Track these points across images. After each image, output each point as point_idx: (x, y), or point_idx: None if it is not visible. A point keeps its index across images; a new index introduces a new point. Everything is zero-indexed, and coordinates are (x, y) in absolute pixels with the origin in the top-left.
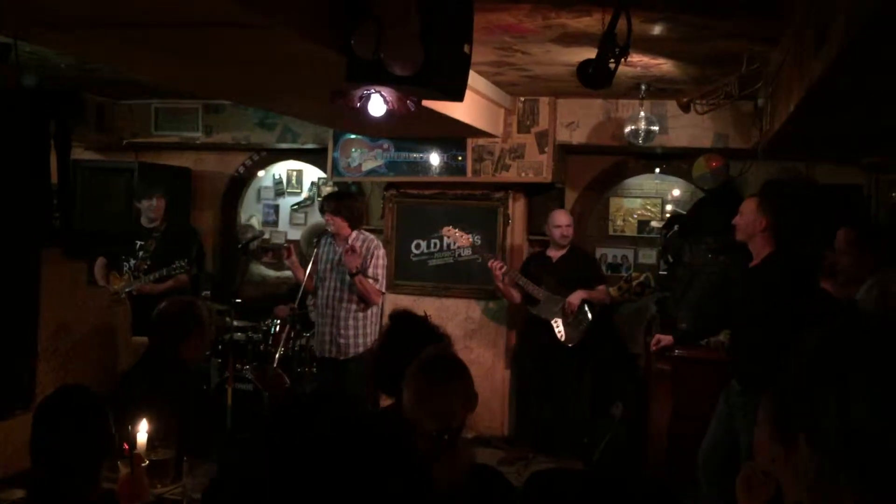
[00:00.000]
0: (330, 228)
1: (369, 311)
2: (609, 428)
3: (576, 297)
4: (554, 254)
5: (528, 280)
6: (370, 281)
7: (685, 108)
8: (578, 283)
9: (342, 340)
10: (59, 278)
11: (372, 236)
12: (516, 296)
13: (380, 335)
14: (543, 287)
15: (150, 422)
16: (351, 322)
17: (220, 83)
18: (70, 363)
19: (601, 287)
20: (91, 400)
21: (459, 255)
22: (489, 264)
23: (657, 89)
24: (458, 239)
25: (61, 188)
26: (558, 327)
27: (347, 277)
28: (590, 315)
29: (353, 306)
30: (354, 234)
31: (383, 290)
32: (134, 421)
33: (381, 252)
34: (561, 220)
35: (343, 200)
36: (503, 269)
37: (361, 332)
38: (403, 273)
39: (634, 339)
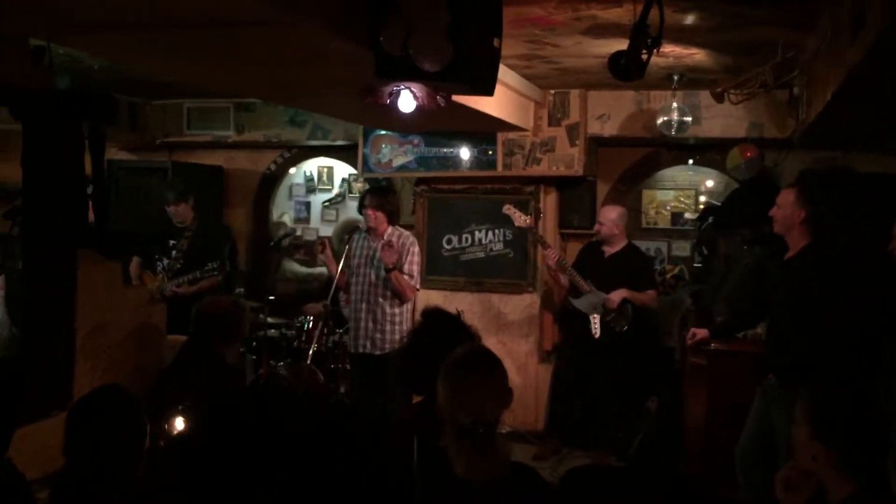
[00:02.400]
0: (370, 223)
1: (404, 307)
2: (644, 423)
3: (617, 295)
4: (608, 249)
5: (576, 271)
6: (405, 277)
7: (719, 98)
8: (627, 283)
9: (378, 335)
10: (95, 279)
11: (407, 233)
12: (564, 280)
13: (410, 332)
14: (590, 280)
15: (186, 418)
16: (388, 317)
17: (249, 82)
18: (107, 363)
19: (650, 293)
20: (125, 399)
21: (491, 250)
22: (545, 252)
23: (690, 79)
24: (517, 219)
25: (96, 189)
26: (595, 323)
27: (382, 273)
28: (629, 317)
29: (389, 301)
30: (390, 229)
31: (417, 286)
32: (170, 418)
33: (416, 249)
34: (600, 215)
35: (387, 195)
36: (556, 259)
37: (398, 326)
38: (435, 269)
39: (669, 333)
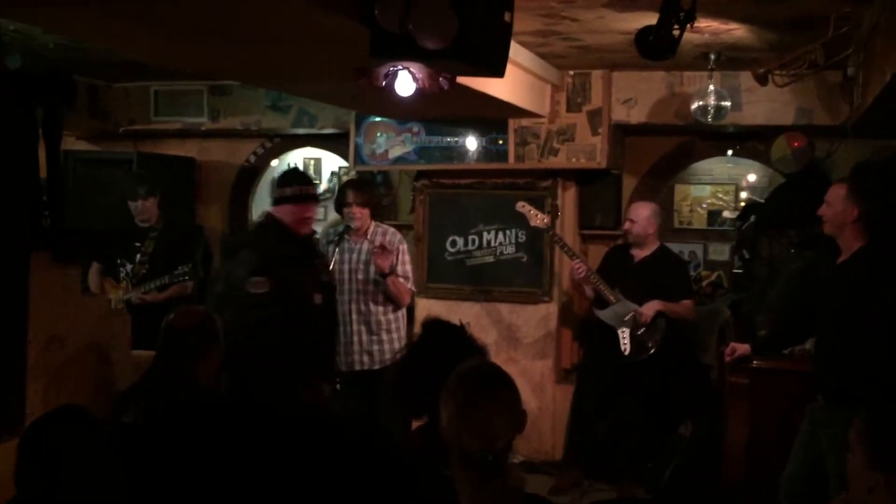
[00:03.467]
0: (356, 223)
1: (399, 313)
2: (677, 450)
3: (650, 307)
4: (637, 253)
5: (601, 279)
6: (401, 280)
7: (762, 80)
8: (660, 293)
9: (376, 347)
10: (50, 286)
11: (392, 229)
12: (589, 291)
13: (408, 346)
14: (618, 289)
15: None
16: (383, 325)
17: (226, 61)
18: (63, 381)
19: (686, 302)
20: (85, 423)
21: (501, 254)
22: (573, 264)
23: (729, 59)
24: (532, 218)
25: (51, 183)
26: (624, 338)
27: (373, 276)
28: (663, 331)
29: (382, 307)
30: (372, 227)
31: (413, 288)
32: None
33: (405, 246)
34: (631, 212)
35: (371, 189)
36: (586, 274)
37: (395, 334)
38: (437, 275)
39: (705, 348)
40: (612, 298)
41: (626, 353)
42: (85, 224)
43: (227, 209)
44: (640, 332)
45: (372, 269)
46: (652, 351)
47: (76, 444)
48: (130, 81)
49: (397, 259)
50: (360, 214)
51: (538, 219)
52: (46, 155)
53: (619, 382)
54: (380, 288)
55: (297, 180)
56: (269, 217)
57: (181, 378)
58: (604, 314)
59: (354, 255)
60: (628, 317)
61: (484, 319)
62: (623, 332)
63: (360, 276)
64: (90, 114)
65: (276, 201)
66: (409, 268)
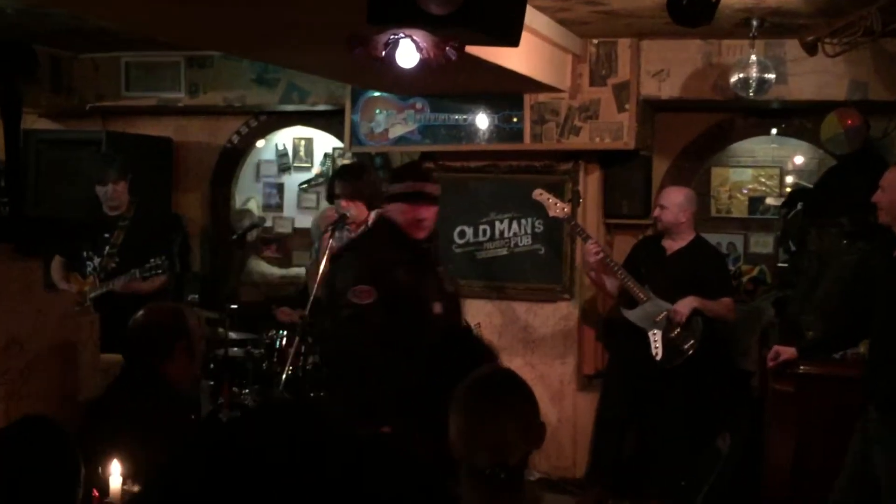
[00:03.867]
0: (349, 214)
1: None
2: (714, 466)
3: (685, 306)
4: (669, 244)
5: (629, 274)
6: None
7: (810, 50)
8: (694, 289)
9: None
10: (9, 281)
11: None
12: (611, 285)
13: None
14: (647, 286)
15: (124, 462)
16: None
17: (206, 28)
18: (23, 387)
19: (726, 300)
20: (53, 435)
21: (516, 246)
22: (586, 246)
23: (773, 25)
24: (552, 207)
25: (10, 166)
26: (656, 341)
27: None
28: (700, 332)
29: None
30: (373, 215)
31: None
32: (105, 461)
33: None
34: (662, 198)
35: (361, 176)
36: (599, 255)
37: None
38: None
39: (746, 352)
40: (641, 296)
41: (658, 357)
42: (47, 212)
43: (208, 196)
44: (674, 335)
45: None
46: (689, 354)
47: (41, 461)
48: (98, 52)
49: None
50: (350, 208)
51: (557, 208)
52: (4, 135)
53: (648, 391)
54: None
55: (412, 176)
56: (380, 217)
57: (151, 383)
58: (633, 314)
59: None
60: (661, 317)
61: (496, 319)
62: (654, 334)
63: None
64: (53, 88)
65: (388, 199)
66: None
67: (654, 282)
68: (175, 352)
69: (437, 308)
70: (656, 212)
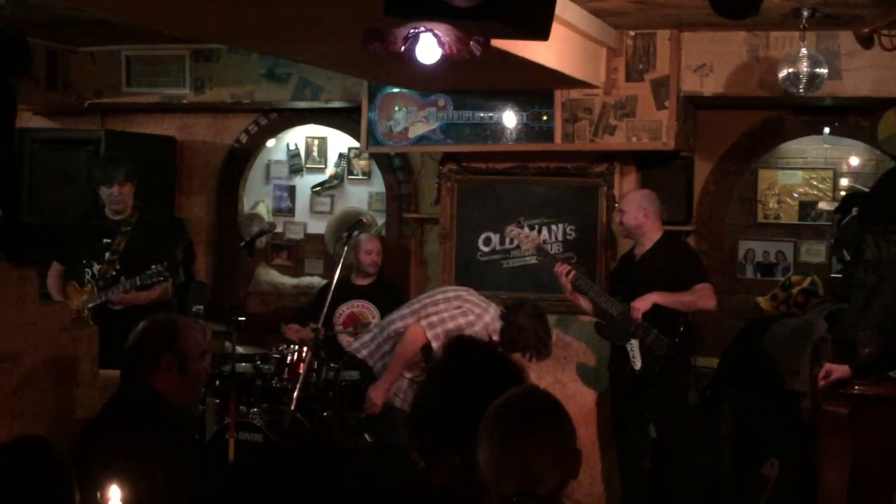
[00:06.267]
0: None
1: None
2: (760, 495)
3: (644, 302)
4: (639, 250)
5: (594, 286)
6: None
7: (866, 43)
8: (666, 287)
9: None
10: (2, 292)
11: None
12: (586, 305)
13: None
14: (619, 297)
15: (123, 486)
16: None
17: (213, 20)
18: (17, 405)
19: (699, 286)
20: (48, 456)
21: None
22: (555, 269)
23: (825, 15)
24: (523, 241)
25: (3, 168)
26: (633, 352)
27: None
28: (679, 330)
29: None
30: None
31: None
32: (102, 483)
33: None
34: (621, 202)
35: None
36: (570, 275)
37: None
38: (467, 279)
39: (795, 371)
40: (612, 311)
41: (637, 368)
42: (43, 217)
43: (214, 199)
44: (650, 340)
45: None
46: (669, 352)
47: (35, 484)
48: (97, 45)
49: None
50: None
51: (528, 240)
52: None
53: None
54: None
55: None
56: None
57: (145, 397)
58: (605, 332)
59: None
60: (632, 325)
61: None
62: (631, 345)
63: None
64: (49, 84)
65: None
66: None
67: (626, 291)
68: (161, 366)
69: None
70: (617, 218)
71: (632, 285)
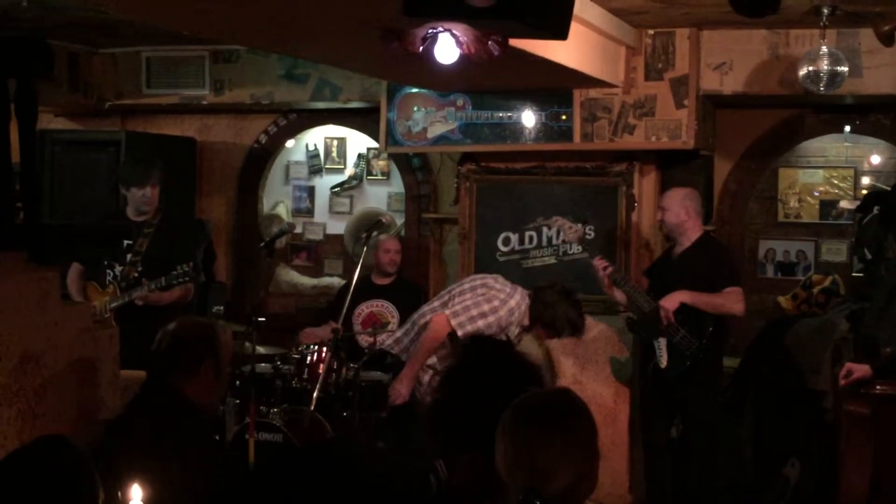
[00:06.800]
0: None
1: None
2: (781, 496)
3: (671, 301)
4: (678, 248)
5: (631, 282)
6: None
7: (887, 40)
8: (700, 288)
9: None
10: (24, 292)
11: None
12: (620, 297)
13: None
14: (652, 295)
15: (144, 486)
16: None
17: (233, 20)
18: (38, 406)
19: (729, 290)
20: (71, 456)
21: (566, 253)
22: (594, 262)
23: (845, 13)
24: (567, 231)
25: (25, 170)
26: (659, 350)
27: None
28: (707, 330)
29: None
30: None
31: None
32: (124, 484)
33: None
34: (662, 200)
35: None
36: (608, 270)
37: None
38: None
39: (816, 370)
40: (644, 304)
41: (663, 366)
42: (64, 217)
43: (234, 200)
44: (678, 338)
45: None
46: (697, 350)
47: (57, 484)
48: (117, 47)
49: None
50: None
51: (571, 232)
52: (20, 136)
53: (676, 406)
54: None
55: None
56: None
57: (171, 400)
58: (637, 326)
59: None
60: (663, 324)
61: None
62: (659, 342)
63: None
64: (70, 86)
65: None
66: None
67: (662, 288)
68: (201, 371)
69: None
70: (658, 216)
71: (668, 283)
